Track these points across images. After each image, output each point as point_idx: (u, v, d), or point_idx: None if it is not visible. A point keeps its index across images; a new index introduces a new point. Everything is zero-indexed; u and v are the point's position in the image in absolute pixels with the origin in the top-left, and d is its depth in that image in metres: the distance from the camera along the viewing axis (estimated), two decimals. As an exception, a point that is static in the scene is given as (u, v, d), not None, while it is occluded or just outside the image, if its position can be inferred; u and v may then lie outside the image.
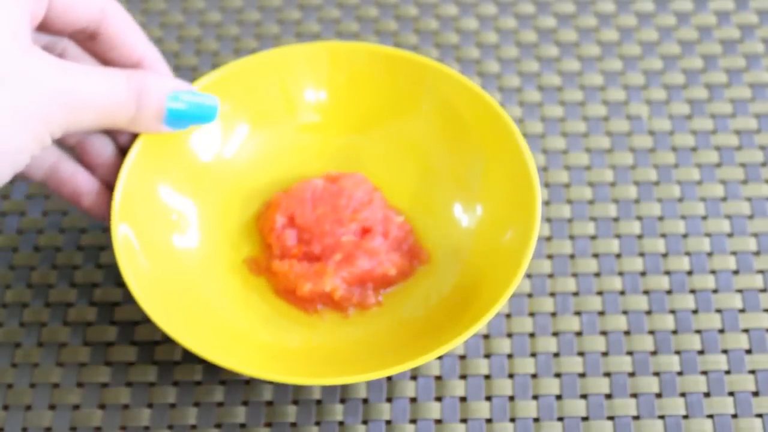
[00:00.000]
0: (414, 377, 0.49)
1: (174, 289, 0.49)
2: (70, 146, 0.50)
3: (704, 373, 0.49)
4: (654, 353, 0.50)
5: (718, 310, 0.51)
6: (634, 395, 0.49)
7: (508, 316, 0.51)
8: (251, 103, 0.54)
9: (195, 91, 0.48)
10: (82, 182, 0.49)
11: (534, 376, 0.49)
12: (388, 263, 0.51)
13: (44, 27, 0.47)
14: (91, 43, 0.48)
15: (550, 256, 0.53)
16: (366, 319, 0.50)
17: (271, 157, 0.54)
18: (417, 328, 0.49)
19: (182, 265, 0.50)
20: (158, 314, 0.46)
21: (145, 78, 0.46)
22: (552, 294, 0.52)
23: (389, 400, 0.49)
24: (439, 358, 0.50)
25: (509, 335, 0.51)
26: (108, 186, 0.50)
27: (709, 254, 0.53)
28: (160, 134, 0.50)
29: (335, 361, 0.48)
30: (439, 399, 0.49)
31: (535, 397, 0.49)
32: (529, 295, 0.52)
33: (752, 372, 0.49)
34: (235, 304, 0.51)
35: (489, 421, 0.48)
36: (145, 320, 0.51)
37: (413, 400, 0.49)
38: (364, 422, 0.48)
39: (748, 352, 0.50)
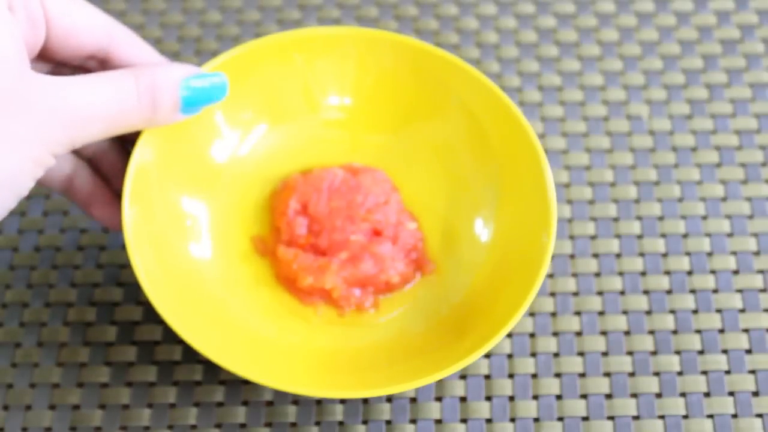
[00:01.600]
0: (414, 377, 0.49)
1: (181, 283, 0.49)
2: (87, 158, 0.50)
3: (704, 373, 0.49)
4: (654, 353, 0.50)
5: (718, 310, 0.51)
6: (634, 395, 0.49)
7: (508, 316, 0.51)
8: (271, 96, 0.53)
9: (203, 73, 0.47)
10: (94, 191, 0.49)
11: (534, 376, 0.49)
12: (392, 271, 0.50)
13: (47, 55, 0.46)
14: (102, 69, 0.47)
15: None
16: (361, 320, 0.50)
17: (291, 150, 0.54)
18: (418, 344, 0.49)
19: (190, 258, 0.50)
20: (168, 311, 0.46)
21: (154, 74, 0.45)
22: (552, 294, 0.52)
23: (389, 400, 0.49)
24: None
25: (509, 335, 0.50)
26: (120, 197, 0.49)
27: (709, 254, 0.53)
28: (165, 128, 0.49)
29: (335, 368, 0.48)
30: (439, 399, 0.49)
31: (535, 397, 0.49)
32: (529, 295, 0.52)
33: (752, 372, 0.49)
34: (236, 291, 0.50)
35: (489, 421, 0.48)
36: (145, 320, 0.51)
37: (413, 400, 0.49)
38: (364, 422, 0.48)
39: (748, 352, 0.50)
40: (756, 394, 0.49)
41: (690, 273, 0.52)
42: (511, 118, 0.50)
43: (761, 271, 0.52)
